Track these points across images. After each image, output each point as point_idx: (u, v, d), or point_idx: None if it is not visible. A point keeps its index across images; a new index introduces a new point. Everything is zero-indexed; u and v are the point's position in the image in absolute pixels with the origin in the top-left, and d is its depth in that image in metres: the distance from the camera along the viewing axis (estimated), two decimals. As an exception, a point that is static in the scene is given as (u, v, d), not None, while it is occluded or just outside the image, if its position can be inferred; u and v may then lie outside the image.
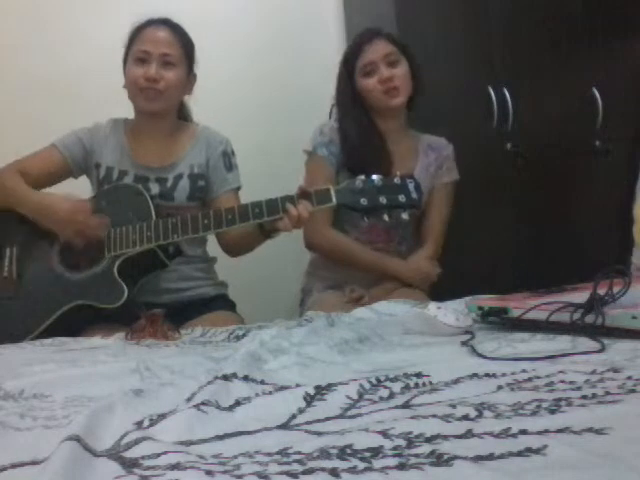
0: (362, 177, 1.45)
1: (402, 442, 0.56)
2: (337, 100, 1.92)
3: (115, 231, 1.56)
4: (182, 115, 1.85)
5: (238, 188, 1.81)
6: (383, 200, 1.42)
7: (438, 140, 1.97)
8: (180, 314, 1.61)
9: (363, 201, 1.43)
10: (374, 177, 1.45)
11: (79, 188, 1.79)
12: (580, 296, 1.03)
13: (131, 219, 1.56)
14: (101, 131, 1.78)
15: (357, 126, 1.84)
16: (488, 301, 1.20)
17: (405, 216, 1.46)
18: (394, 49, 1.85)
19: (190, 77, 1.79)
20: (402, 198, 1.42)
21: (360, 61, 1.84)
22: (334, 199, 1.45)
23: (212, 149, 1.78)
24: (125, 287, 1.50)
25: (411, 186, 1.44)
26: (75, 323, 1.52)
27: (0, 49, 2.39)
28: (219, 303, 1.79)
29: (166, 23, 1.74)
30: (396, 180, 1.44)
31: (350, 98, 1.87)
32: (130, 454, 0.58)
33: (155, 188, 1.70)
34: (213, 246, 1.85)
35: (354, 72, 1.85)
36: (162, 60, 1.69)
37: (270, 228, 1.53)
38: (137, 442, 0.60)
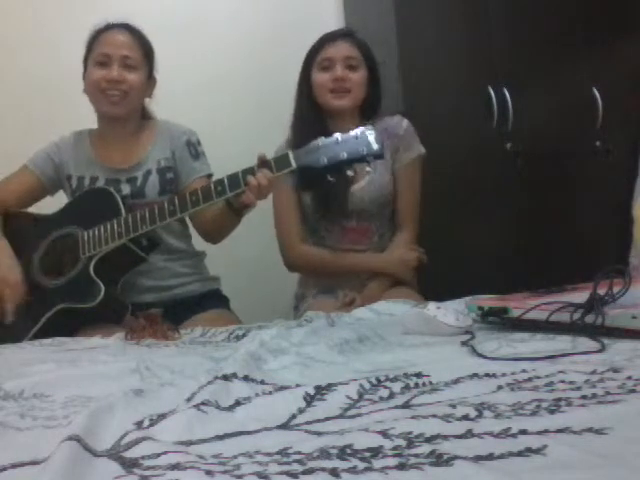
0: (322, 137, 1.43)
1: (402, 442, 0.56)
2: (296, 93, 1.89)
3: (88, 233, 1.58)
4: (144, 117, 1.86)
5: (209, 176, 1.80)
6: (344, 155, 1.40)
7: (391, 120, 1.89)
8: (173, 312, 1.61)
9: (323, 159, 1.41)
10: (334, 135, 1.43)
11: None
12: (580, 296, 1.03)
13: (103, 219, 1.57)
14: (67, 143, 1.81)
15: (305, 125, 1.81)
16: (488, 301, 1.20)
17: (369, 168, 1.44)
18: (358, 54, 1.83)
19: (150, 81, 1.80)
20: (363, 150, 1.40)
21: (320, 55, 1.83)
22: (293, 162, 1.44)
23: (175, 140, 1.79)
24: (102, 285, 1.52)
25: (371, 137, 1.41)
26: (63, 328, 1.51)
27: (0, 49, 2.39)
28: (212, 300, 1.79)
29: (125, 27, 1.75)
30: (355, 133, 1.42)
31: (305, 93, 1.85)
32: (130, 454, 0.58)
33: (126, 188, 1.72)
34: (212, 245, 1.84)
35: (312, 66, 1.84)
36: (123, 63, 1.70)
37: (238, 205, 1.53)
38: (137, 442, 0.60)
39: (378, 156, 1.43)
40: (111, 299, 1.54)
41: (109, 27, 1.74)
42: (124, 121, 1.77)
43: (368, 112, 1.90)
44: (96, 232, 1.57)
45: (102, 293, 1.50)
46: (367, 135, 1.41)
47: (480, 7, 2.33)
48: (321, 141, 1.43)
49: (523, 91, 2.30)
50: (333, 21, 2.67)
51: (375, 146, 1.40)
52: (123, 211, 1.58)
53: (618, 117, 2.37)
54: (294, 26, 2.64)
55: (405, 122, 1.88)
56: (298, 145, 1.77)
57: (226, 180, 1.47)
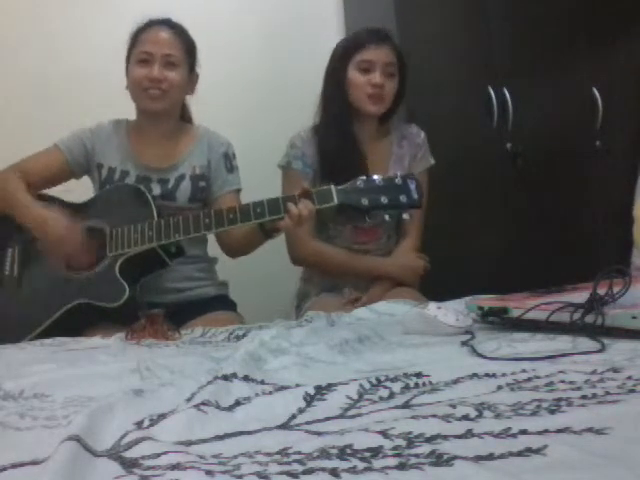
0: (363, 177, 1.45)
1: (402, 442, 0.56)
2: (324, 87, 1.88)
3: (117, 231, 1.56)
4: (184, 117, 1.86)
5: (238, 190, 1.81)
6: (384, 200, 1.42)
7: (409, 128, 1.93)
8: (181, 314, 1.61)
9: (364, 201, 1.43)
10: (375, 177, 1.45)
11: (82, 187, 1.80)
12: (580, 296, 1.03)
13: (133, 219, 1.56)
14: (103, 131, 1.79)
15: (334, 125, 1.82)
16: (488, 301, 1.20)
17: (406, 216, 1.46)
18: (396, 62, 1.83)
19: (192, 76, 1.79)
20: (403, 198, 1.43)
21: (361, 55, 1.81)
22: (335, 199, 1.45)
23: (214, 151, 1.79)
24: (126, 286, 1.51)
25: (412, 186, 1.44)
26: (77, 322, 1.52)
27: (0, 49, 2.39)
28: (220, 303, 1.79)
29: (167, 23, 1.75)
30: (397, 180, 1.44)
31: (337, 87, 1.84)
32: (130, 454, 0.58)
33: (157, 189, 1.71)
34: (215, 246, 1.84)
35: (349, 63, 1.82)
36: (165, 61, 1.69)
37: (271, 228, 1.53)
38: (137, 442, 0.60)
39: (416, 206, 1.47)
40: (131, 300, 1.53)
41: (151, 24, 1.74)
42: (163, 118, 1.76)
43: (386, 117, 1.90)
44: (125, 231, 1.55)
45: (126, 294, 1.50)
46: (409, 184, 1.44)
47: (480, 7, 2.33)
48: (362, 182, 1.44)
49: (523, 91, 2.30)
50: (333, 21, 2.68)
51: (415, 195, 1.44)
52: (155, 214, 1.58)
53: (618, 117, 2.37)
54: (294, 26, 2.64)
55: (422, 133, 1.94)
56: (323, 137, 1.82)
57: (266, 203, 1.47)
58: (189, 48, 1.76)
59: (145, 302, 1.59)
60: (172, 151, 1.77)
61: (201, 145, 1.79)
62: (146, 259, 1.57)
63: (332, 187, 1.46)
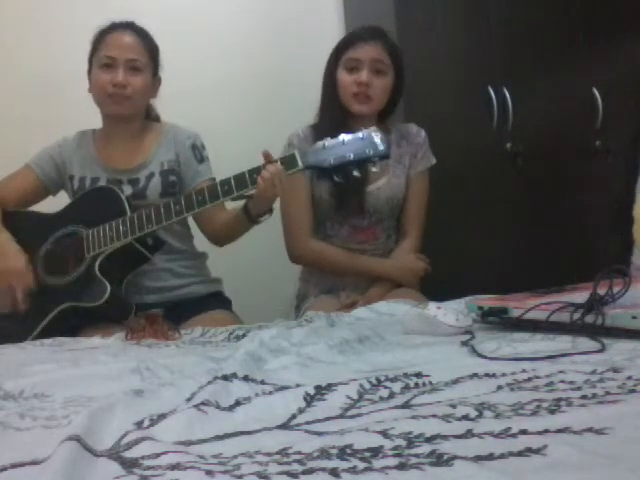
0: (328, 138, 1.45)
1: (402, 442, 0.56)
2: (322, 88, 1.88)
3: (93, 232, 1.58)
4: (150, 117, 1.86)
5: (212, 180, 1.79)
6: (350, 155, 1.41)
7: (409, 127, 1.92)
8: (175, 313, 1.61)
9: (330, 160, 1.42)
10: (340, 136, 1.44)
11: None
12: (580, 296, 1.03)
13: (107, 218, 1.57)
14: (70, 144, 1.80)
15: (327, 120, 1.81)
16: (488, 301, 1.20)
17: (375, 169, 1.46)
18: (387, 58, 1.80)
19: (155, 80, 1.79)
20: (369, 151, 1.41)
21: (348, 54, 1.80)
22: (300, 162, 1.45)
23: (180, 144, 1.78)
24: (107, 284, 1.52)
25: (377, 138, 1.43)
26: (67, 327, 1.52)
27: (-1, 49, 2.39)
28: (214, 302, 1.79)
29: (131, 27, 1.74)
30: (361, 135, 1.43)
31: (329, 89, 1.84)
32: (130, 454, 0.58)
33: (128, 189, 1.72)
34: (206, 244, 1.84)
35: (339, 62, 1.82)
36: (128, 66, 1.70)
37: (256, 213, 1.55)
38: (137, 442, 0.60)
39: (384, 157, 1.44)
40: (116, 298, 1.54)
41: (114, 27, 1.74)
42: (128, 121, 1.76)
43: (385, 115, 1.89)
44: (101, 231, 1.56)
45: (108, 292, 1.51)
46: (373, 136, 1.42)
47: (480, 7, 2.33)
48: (327, 142, 1.44)
49: (523, 91, 2.30)
50: (333, 21, 2.68)
51: (381, 147, 1.42)
52: (128, 210, 1.58)
53: (618, 117, 2.37)
54: (294, 26, 2.64)
55: (423, 132, 1.92)
56: (319, 136, 1.76)
57: (232, 180, 1.48)
58: (152, 52, 1.76)
59: (134, 302, 1.60)
60: (140, 151, 1.77)
61: (167, 140, 1.79)
62: (125, 255, 1.58)
63: (295, 152, 1.47)
